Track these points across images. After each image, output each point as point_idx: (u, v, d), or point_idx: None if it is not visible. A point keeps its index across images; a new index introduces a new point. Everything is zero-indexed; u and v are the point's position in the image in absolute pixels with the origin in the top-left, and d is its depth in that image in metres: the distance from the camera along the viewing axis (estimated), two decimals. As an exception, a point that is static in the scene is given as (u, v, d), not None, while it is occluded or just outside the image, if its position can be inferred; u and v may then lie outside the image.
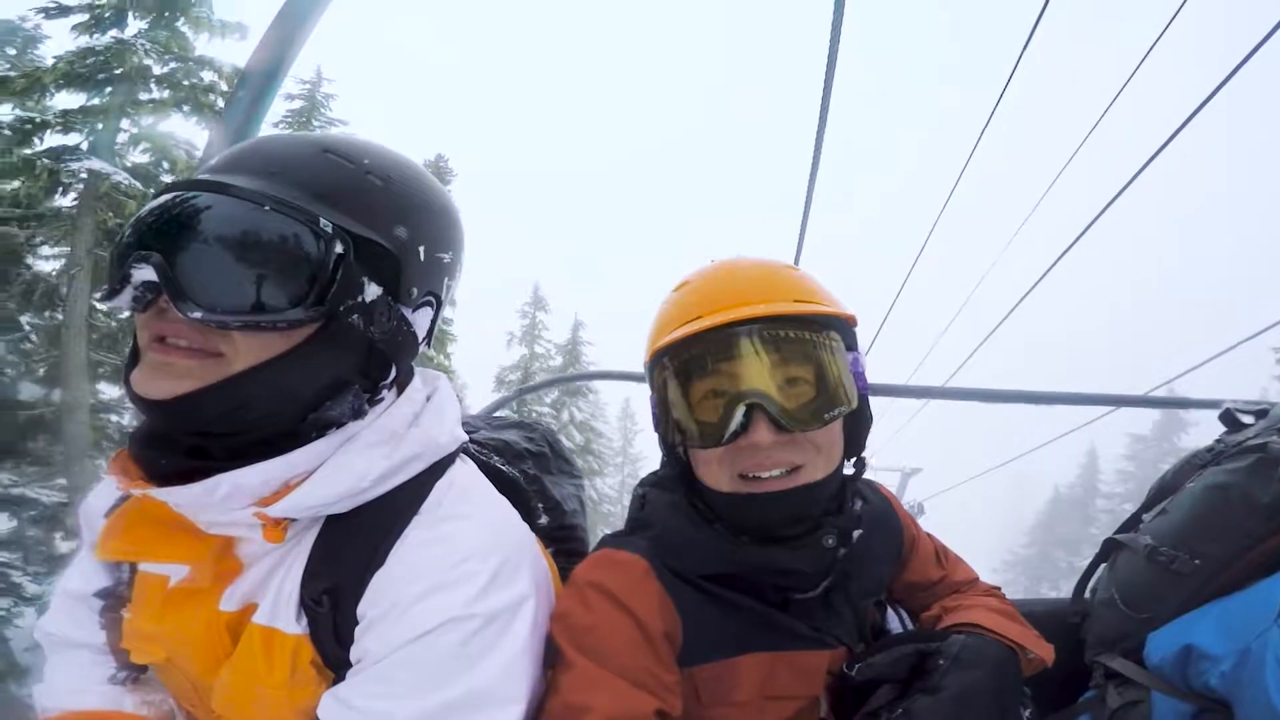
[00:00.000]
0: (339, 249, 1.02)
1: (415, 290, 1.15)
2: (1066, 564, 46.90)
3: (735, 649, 1.26)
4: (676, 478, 1.39)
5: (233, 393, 1.01)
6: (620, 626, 1.20)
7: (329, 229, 1.01)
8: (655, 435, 1.43)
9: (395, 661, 1.02)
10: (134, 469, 1.10)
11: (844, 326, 1.31)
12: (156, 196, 1.04)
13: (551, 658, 1.16)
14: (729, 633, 1.27)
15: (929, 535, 1.61)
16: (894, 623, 1.51)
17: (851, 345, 1.32)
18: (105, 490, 1.36)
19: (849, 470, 1.39)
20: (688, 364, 1.28)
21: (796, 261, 4.69)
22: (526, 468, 1.49)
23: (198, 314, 0.96)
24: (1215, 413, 1.67)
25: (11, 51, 15.56)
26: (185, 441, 1.10)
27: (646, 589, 1.26)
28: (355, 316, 1.06)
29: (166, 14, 14.16)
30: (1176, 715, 1.43)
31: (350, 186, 1.08)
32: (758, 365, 1.22)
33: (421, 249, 1.14)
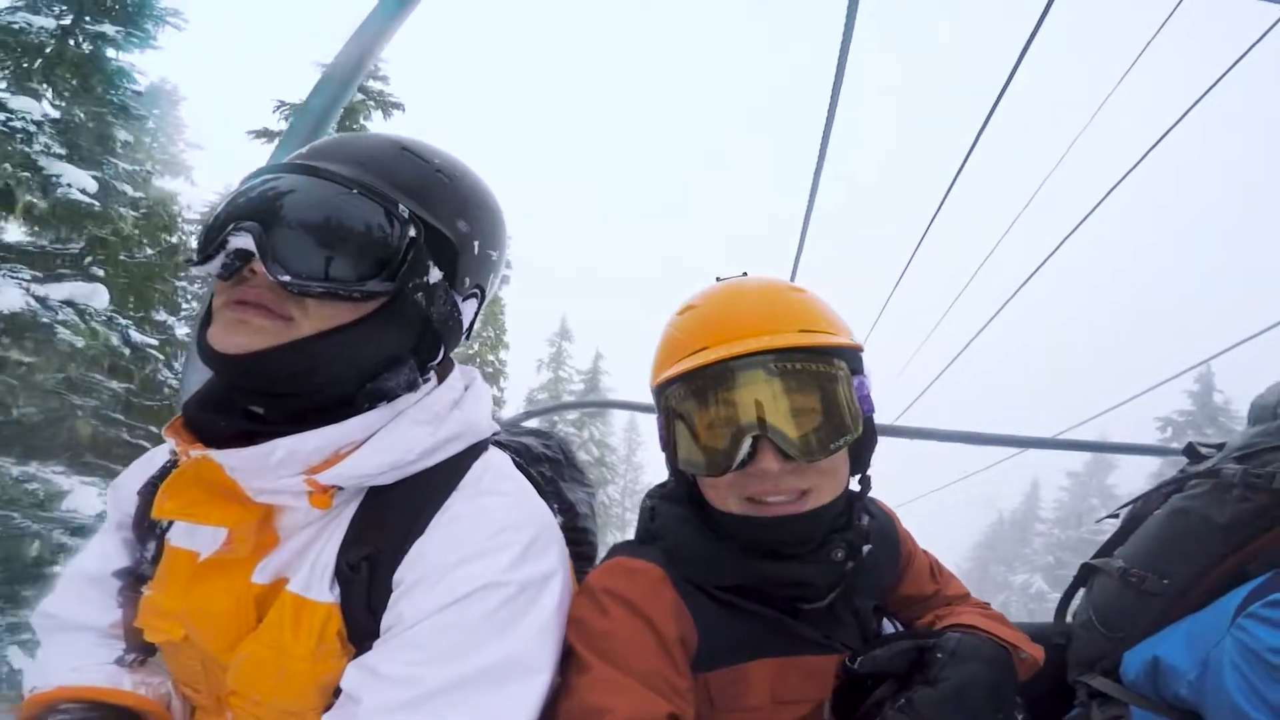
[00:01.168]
0: (412, 232, 1.12)
1: (468, 280, 1.25)
2: (1002, 579, 50.60)
3: (747, 655, 1.28)
4: (684, 493, 1.42)
5: (302, 354, 1.08)
6: (637, 632, 1.22)
7: (405, 214, 1.12)
8: (662, 453, 1.44)
9: (428, 627, 1.05)
10: (188, 434, 1.15)
11: (850, 352, 1.33)
12: (253, 177, 1.15)
13: (567, 661, 1.17)
14: (741, 639, 1.29)
15: (924, 551, 1.65)
16: (888, 630, 1.55)
17: (857, 369, 1.34)
18: (139, 469, 1.41)
19: (855, 486, 1.42)
20: (694, 395, 1.31)
21: (794, 273, 4.77)
22: (544, 470, 1.52)
23: (286, 276, 1.04)
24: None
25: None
26: (244, 404, 1.16)
27: (662, 596, 1.28)
28: (419, 295, 1.15)
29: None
30: None
31: (424, 181, 1.19)
32: (764, 397, 1.24)
33: (477, 244, 1.25)
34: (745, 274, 1.50)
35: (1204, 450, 1.67)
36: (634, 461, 44.29)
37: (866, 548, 1.38)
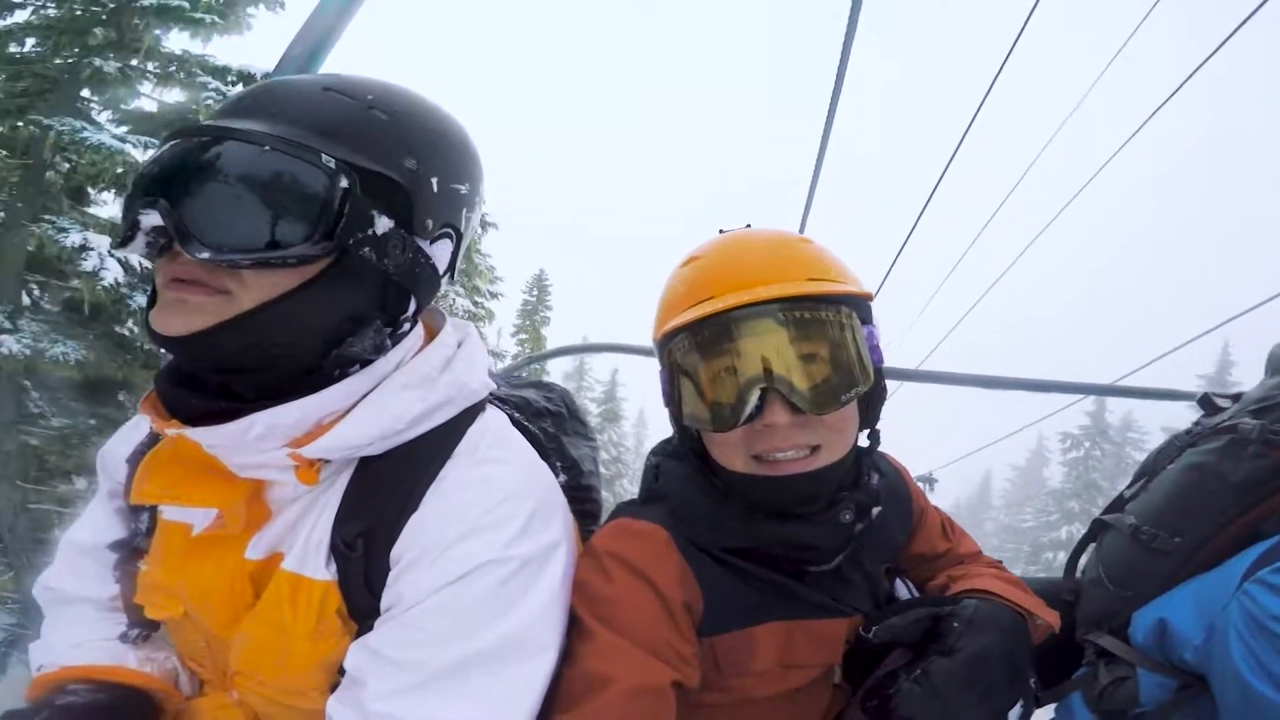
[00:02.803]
0: (344, 183, 0.99)
1: (430, 222, 1.12)
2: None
3: (754, 619, 1.23)
4: (689, 451, 1.36)
5: (247, 328, 0.99)
6: (641, 597, 1.17)
7: (331, 164, 0.99)
8: (665, 409, 1.38)
9: (429, 607, 1.00)
10: (163, 410, 1.08)
11: (860, 301, 1.26)
12: (160, 146, 1.03)
13: (570, 626, 1.14)
14: (747, 603, 1.25)
15: (936, 508, 1.60)
16: (902, 592, 1.51)
17: (867, 319, 1.27)
18: (126, 435, 1.33)
19: (864, 443, 1.36)
20: (699, 346, 1.23)
21: (803, 228, 4.62)
22: (545, 426, 1.45)
23: (205, 254, 0.95)
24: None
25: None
26: (213, 380, 1.09)
27: (667, 559, 1.23)
28: (366, 249, 1.03)
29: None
30: (1160, 689, 1.45)
31: (353, 121, 1.05)
32: (773, 347, 1.17)
33: (435, 180, 1.11)
34: (749, 226, 1.42)
35: (1220, 402, 1.60)
36: (641, 452, 44.07)
37: (876, 510, 1.32)
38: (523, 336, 27.98)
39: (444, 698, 0.97)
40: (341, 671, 1.05)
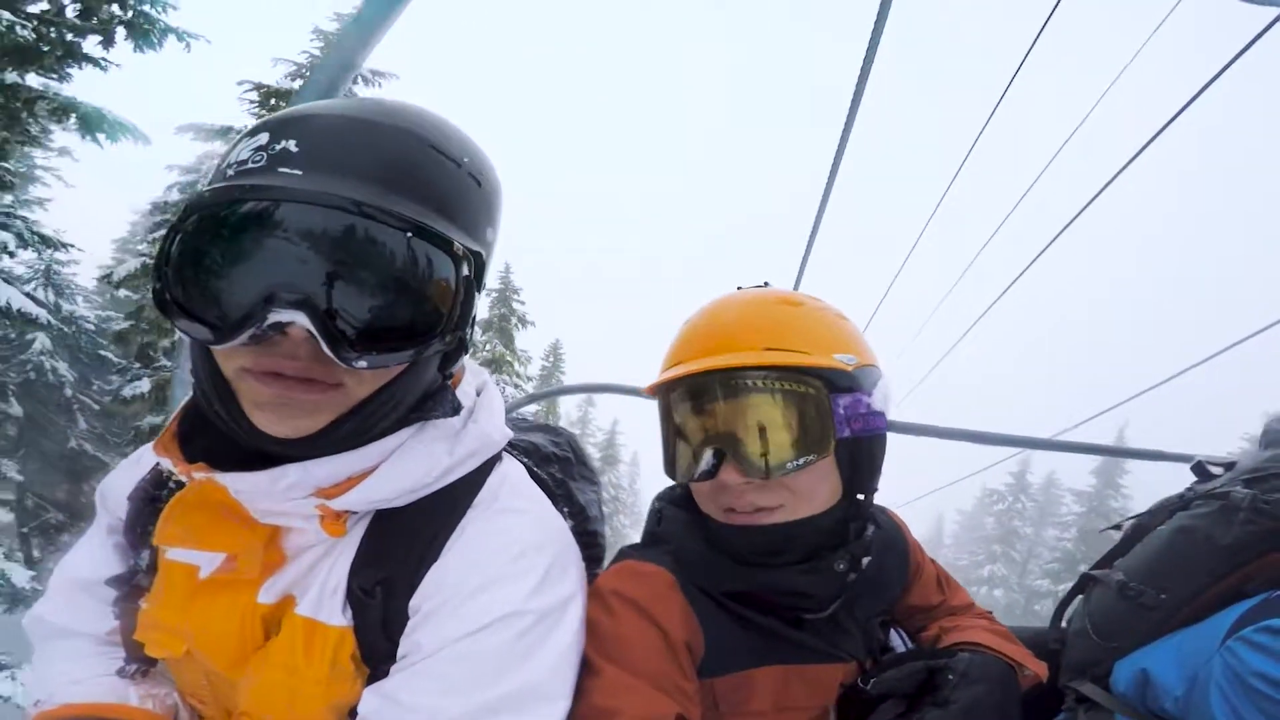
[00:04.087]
0: (466, 270, 0.87)
1: (486, 281, 1.01)
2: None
3: (753, 661, 1.15)
4: (686, 497, 1.28)
5: (360, 418, 0.89)
6: (646, 635, 1.09)
7: (460, 251, 0.86)
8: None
9: (448, 656, 0.90)
10: (179, 452, 0.95)
11: (832, 372, 1.13)
12: (250, 196, 0.78)
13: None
14: (747, 646, 1.16)
15: (932, 561, 1.50)
16: (895, 641, 1.40)
17: (852, 388, 1.14)
18: (128, 471, 1.17)
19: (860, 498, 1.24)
20: (670, 405, 1.22)
21: (799, 279, 4.45)
22: (554, 471, 1.32)
23: (363, 363, 0.81)
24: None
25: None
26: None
27: (670, 600, 1.15)
28: (468, 330, 0.92)
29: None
30: None
31: (461, 195, 0.91)
32: (723, 413, 1.13)
33: (495, 243, 1.02)
34: (766, 284, 1.33)
35: (1213, 469, 1.52)
36: (636, 490, 44.13)
37: (866, 560, 1.23)
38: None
39: None
40: (352, 714, 0.94)
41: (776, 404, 1.11)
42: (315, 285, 0.79)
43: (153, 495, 1.09)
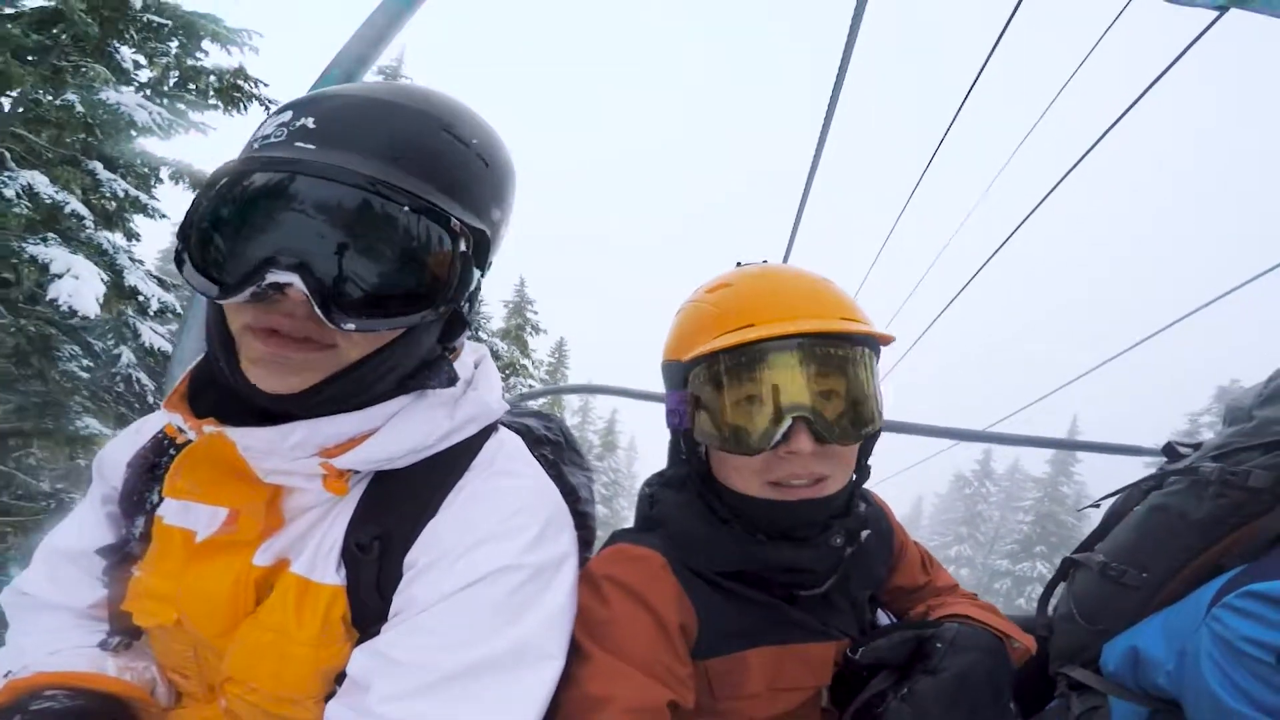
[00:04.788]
0: (463, 246, 0.85)
1: (492, 260, 0.98)
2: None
3: (746, 643, 1.08)
4: (687, 478, 1.19)
5: (352, 380, 0.87)
6: (638, 620, 1.01)
7: (458, 227, 0.84)
8: (671, 431, 1.21)
9: (442, 610, 0.85)
10: (188, 409, 0.92)
11: (877, 345, 1.12)
12: (266, 168, 0.79)
13: (568, 651, 0.96)
14: (740, 627, 1.08)
15: (916, 543, 1.41)
16: (884, 621, 1.33)
17: (877, 359, 1.14)
18: (128, 440, 1.10)
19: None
20: (735, 371, 1.06)
21: (788, 253, 4.33)
22: (545, 453, 1.24)
23: (351, 325, 0.79)
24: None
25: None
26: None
27: (663, 583, 1.07)
28: (465, 303, 0.92)
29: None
30: (1133, 717, 1.29)
31: (466, 174, 0.89)
32: (806, 379, 1.03)
33: (504, 226, 0.98)
34: (765, 262, 1.25)
35: (1182, 450, 1.46)
36: (633, 473, 43.91)
37: (865, 533, 1.18)
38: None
39: (453, 700, 0.81)
40: (338, 680, 0.88)
41: (857, 371, 1.06)
42: (313, 251, 0.78)
43: (153, 462, 1.04)
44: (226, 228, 0.81)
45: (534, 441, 1.24)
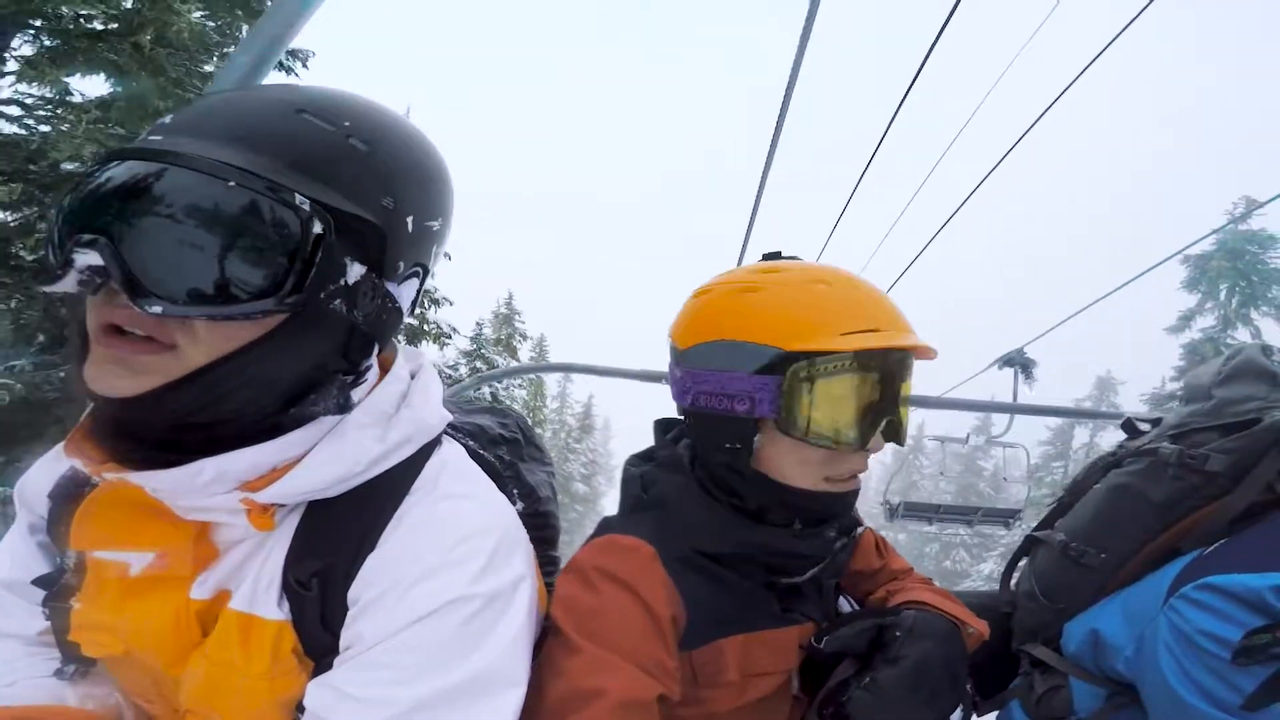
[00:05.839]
0: (317, 228, 0.67)
1: (402, 264, 0.78)
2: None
3: (720, 632, 0.98)
4: (693, 461, 1.08)
5: (199, 386, 0.68)
6: (627, 611, 0.91)
7: (305, 206, 0.66)
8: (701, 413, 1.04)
9: (393, 646, 0.72)
10: (95, 452, 0.74)
11: None
12: (101, 164, 0.68)
13: (553, 642, 0.87)
14: (720, 616, 0.99)
15: (869, 528, 1.29)
16: (844, 606, 1.22)
17: None
18: (47, 468, 0.92)
19: None
20: (860, 371, 0.96)
21: (745, 247, 4.08)
22: (501, 453, 1.08)
23: (157, 308, 0.63)
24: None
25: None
26: (154, 435, 0.74)
27: (653, 574, 0.96)
28: (337, 301, 0.71)
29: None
30: (1092, 698, 1.19)
31: (330, 154, 0.70)
32: (905, 389, 1.01)
33: (410, 219, 0.77)
34: (781, 254, 1.14)
35: (1140, 426, 1.34)
36: (609, 451, 43.43)
37: (861, 529, 1.13)
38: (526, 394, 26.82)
39: None
40: (300, 709, 0.75)
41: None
42: (121, 228, 0.64)
43: (74, 493, 0.85)
44: (59, 220, 0.68)
45: (489, 442, 1.08)
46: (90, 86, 8.26)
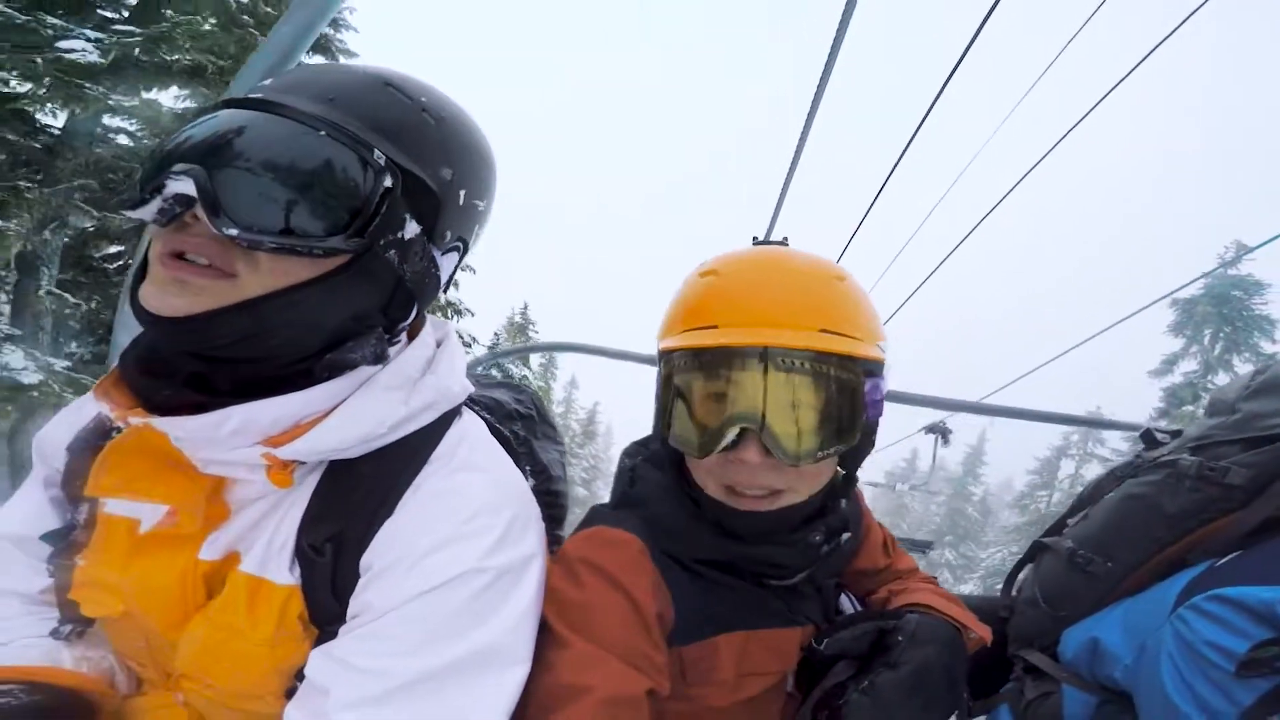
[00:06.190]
0: (388, 182, 0.71)
1: (449, 233, 0.81)
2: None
3: (716, 629, 0.93)
4: (669, 460, 1.00)
5: (249, 317, 0.69)
6: (614, 605, 0.86)
7: (381, 160, 0.71)
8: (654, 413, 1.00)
9: (401, 616, 0.70)
10: (122, 397, 0.74)
11: (871, 362, 0.90)
12: (205, 111, 0.73)
13: (542, 637, 0.82)
14: (711, 614, 0.93)
15: (879, 525, 1.24)
16: (846, 606, 1.15)
17: (874, 373, 0.91)
18: (67, 420, 0.91)
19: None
20: (693, 371, 0.89)
21: (773, 226, 3.87)
22: (516, 429, 1.06)
23: (233, 230, 0.65)
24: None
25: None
26: (187, 369, 0.75)
27: (640, 568, 0.91)
28: (392, 252, 0.74)
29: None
30: (1083, 706, 1.14)
31: (406, 122, 0.75)
32: (762, 391, 0.84)
33: (463, 193, 0.80)
34: (785, 240, 1.04)
35: (1160, 437, 1.28)
36: (611, 457, 42.91)
37: (845, 536, 1.01)
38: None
39: (414, 707, 0.67)
40: (299, 676, 0.74)
41: (820, 389, 0.85)
42: (211, 159, 0.67)
43: (95, 445, 0.84)
44: (157, 155, 0.70)
45: (505, 417, 1.06)
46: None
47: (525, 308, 24.00)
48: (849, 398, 0.86)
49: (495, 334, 22.59)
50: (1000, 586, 1.42)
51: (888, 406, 0.97)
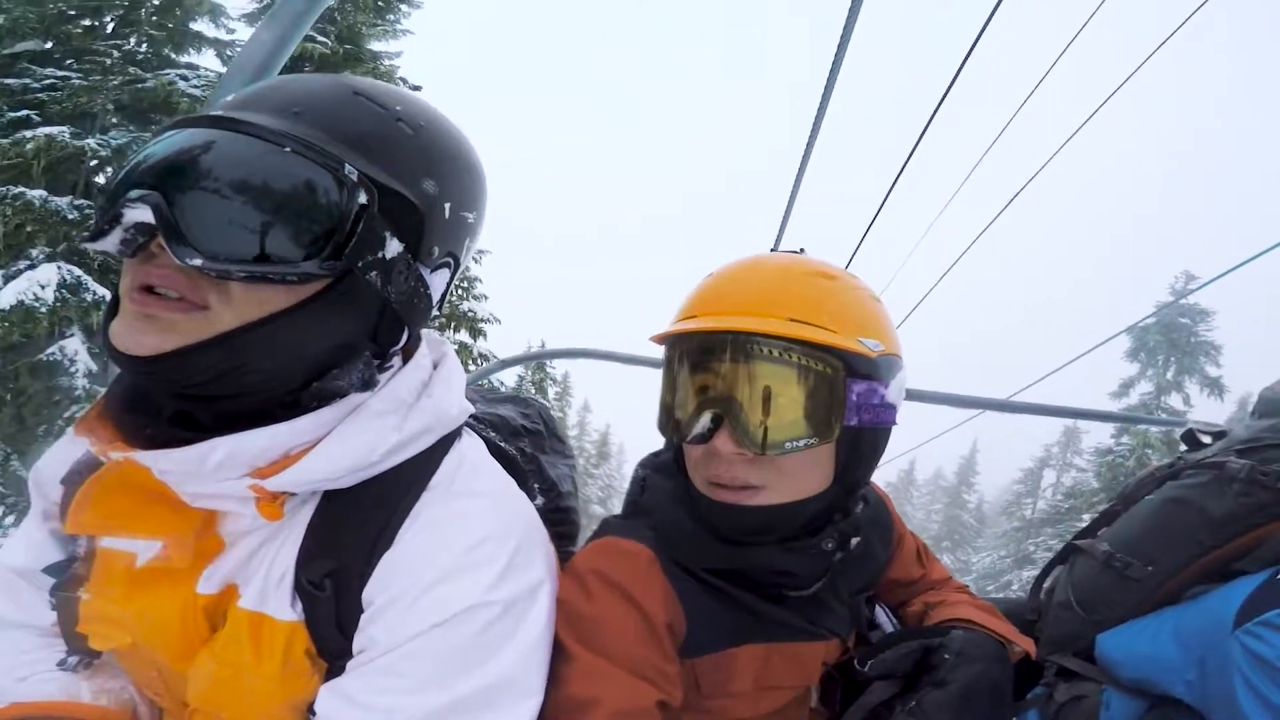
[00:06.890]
0: (362, 199, 0.62)
1: (436, 250, 0.71)
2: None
3: (733, 640, 0.85)
4: (675, 464, 0.93)
5: (225, 350, 0.61)
6: (625, 618, 0.80)
7: (353, 176, 0.61)
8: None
9: (406, 653, 0.64)
10: (106, 432, 0.67)
11: (854, 355, 0.82)
12: (160, 132, 0.65)
13: (552, 648, 0.75)
14: (728, 624, 0.86)
15: (912, 534, 1.13)
16: (881, 618, 1.05)
17: (872, 375, 0.83)
18: (60, 454, 0.83)
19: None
20: (674, 359, 0.87)
21: (780, 237, 3.79)
22: (524, 445, 0.97)
23: (196, 260, 0.57)
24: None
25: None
26: (170, 406, 0.68)
27: (651, 579, 0.84)
28: (373, 274, 0.65)
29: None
30: (1129, 711, 1.04)
31: (379, 133, 0.66)
32: (731, 376, 0.80)
33: (447, 206, 0.71)
34: (802, 250, 0.98)
35: (1202, 438, 1.18)
36: (623, 474, 42.56)
37: (855, 540, 0.91)
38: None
39: None
40: (312, 710, 0.67)
41: (789, 378, 0.80)
42: (170, 184, 0.59)
43: (89, 478, 0.75)
44: (114, 182, 0.63)
45: (511, 434, 0.98)
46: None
47: (543, 344, 24.40)
48: (825, 390, 0.79)
49: (520, 378, 22.73)
50: (993, 589, 1.30)
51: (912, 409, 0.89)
